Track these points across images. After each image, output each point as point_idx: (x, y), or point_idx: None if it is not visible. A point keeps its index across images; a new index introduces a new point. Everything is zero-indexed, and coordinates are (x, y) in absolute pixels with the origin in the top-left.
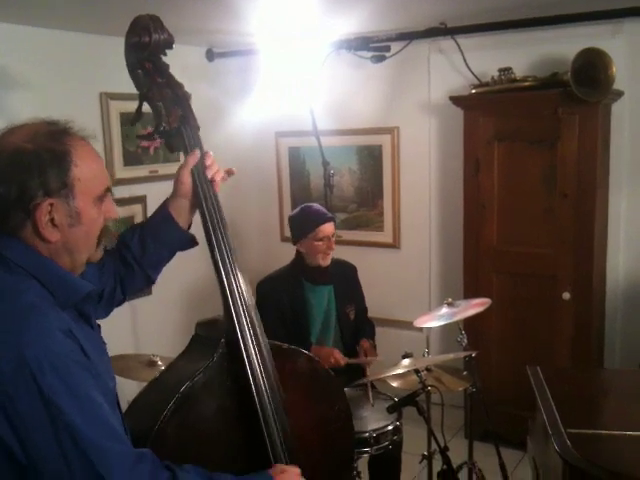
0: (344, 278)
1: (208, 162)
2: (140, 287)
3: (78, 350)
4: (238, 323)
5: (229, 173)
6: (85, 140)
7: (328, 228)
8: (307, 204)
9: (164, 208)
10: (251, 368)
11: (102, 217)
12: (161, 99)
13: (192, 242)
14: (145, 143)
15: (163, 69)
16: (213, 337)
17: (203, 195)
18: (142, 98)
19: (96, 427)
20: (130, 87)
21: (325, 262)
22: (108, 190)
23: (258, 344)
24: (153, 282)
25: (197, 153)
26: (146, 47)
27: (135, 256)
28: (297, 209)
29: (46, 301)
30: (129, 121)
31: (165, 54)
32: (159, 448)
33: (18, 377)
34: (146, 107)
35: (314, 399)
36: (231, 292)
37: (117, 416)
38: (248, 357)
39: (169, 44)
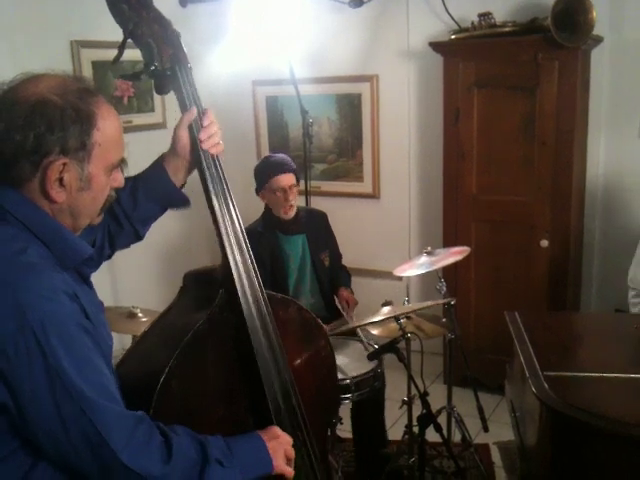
0: (315, 226)
1: (205, 122)
2: (128, 243)
3: (81, 313)
4: (237, 273)
5: None
6: (111, 106)
7: (284, 179)
8: (271, 154)
9: (159, 162)
10: (249, 319)
11: (109, 185)
12: (151, 35)
13: (185, 202)
14: (120, 89)
15: (148, 3)
16: (209, 287)
17: (203, 153)
18: (128, 35)
19: (96, 389)
20: (103, 34)
21: (287, 215)
22: (122, 161)
23: (256, 294)
24: (141, 238)
25: (194, 110)
26: None
27: (125, 210)
28: (261, 158)
29: (48, 261)
30: (112, 60)
31: None
32: (164, 403)
33: (19, 338)
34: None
35: (303, 346)
36: (230, 245)
37: (115, 380)
38: (247, 307)
39: None
